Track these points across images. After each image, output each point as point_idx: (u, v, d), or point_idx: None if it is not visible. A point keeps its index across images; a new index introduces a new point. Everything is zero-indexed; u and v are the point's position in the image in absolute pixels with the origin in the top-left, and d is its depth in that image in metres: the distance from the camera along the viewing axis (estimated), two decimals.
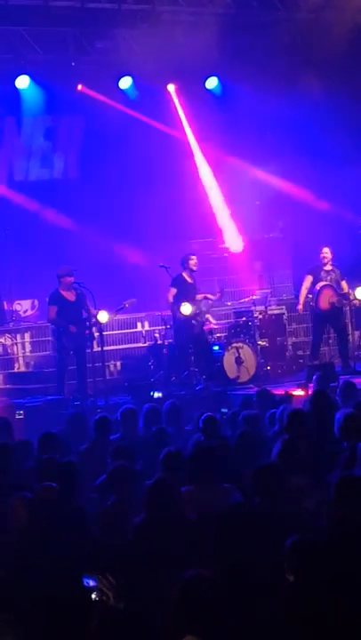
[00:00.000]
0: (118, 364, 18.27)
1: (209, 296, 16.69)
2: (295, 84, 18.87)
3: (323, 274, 16.71)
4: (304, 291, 16.87)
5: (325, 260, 16.74)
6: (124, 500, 7.76)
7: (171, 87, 19.82)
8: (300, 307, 17.09)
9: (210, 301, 16.86)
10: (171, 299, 16.37)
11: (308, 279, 16.82)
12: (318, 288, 16.57)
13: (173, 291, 16.36)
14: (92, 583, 6.00)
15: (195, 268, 16.56)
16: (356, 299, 16.65)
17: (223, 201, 20.52)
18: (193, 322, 16.40)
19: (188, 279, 16.49)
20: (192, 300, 16.25)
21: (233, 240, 20.25)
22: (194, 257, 16.66)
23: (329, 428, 9.20)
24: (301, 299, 16.96)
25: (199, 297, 16.74)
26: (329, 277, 16.68)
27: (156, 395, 15.69)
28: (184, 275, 16.49)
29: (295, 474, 7.82)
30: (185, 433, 11.13)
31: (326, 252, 16.73)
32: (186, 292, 16.34)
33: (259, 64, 18.92)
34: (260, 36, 19.13)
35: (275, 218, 20.64)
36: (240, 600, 5.49)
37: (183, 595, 4.73)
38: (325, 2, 18.81)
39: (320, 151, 19.94)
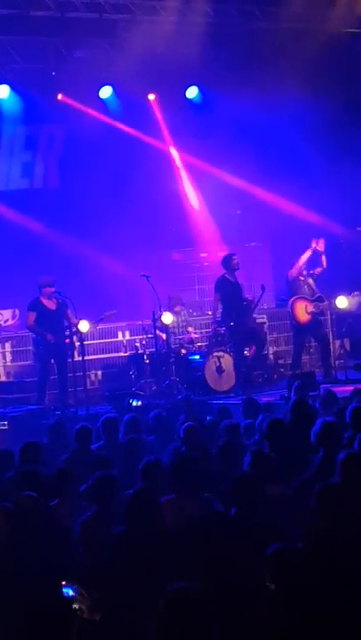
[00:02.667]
0: (99, 373, 18.23)
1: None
2: (276, 94, 18.89)
3: (300, 282, 16.81)
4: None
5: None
6: (104, 510, 7.74)
7: (151, 96, 19.81)
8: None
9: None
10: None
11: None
12: (291, 302, 16.67)
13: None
14: (71, 593, 5.98)
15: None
16: (337, 307, 16.76)
17: (204, 210, 20.55)
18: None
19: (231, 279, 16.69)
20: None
21: None
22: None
23: (308, 437, 9.20)
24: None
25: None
26: (306, 286, 16.77)
27: (135, 403, 15.66)
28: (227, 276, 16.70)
29: (270, 483, 7.81)
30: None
31: None
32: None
33: (239, 73, 18.95)
34: (241, 46, 19.14)
35: (256, 227, 20.66)
36: (223, 610, 5.48)
37: (168, 608, 4.71)
38: (305, 11, 18.89)
39: (301, 160, 20.00)
